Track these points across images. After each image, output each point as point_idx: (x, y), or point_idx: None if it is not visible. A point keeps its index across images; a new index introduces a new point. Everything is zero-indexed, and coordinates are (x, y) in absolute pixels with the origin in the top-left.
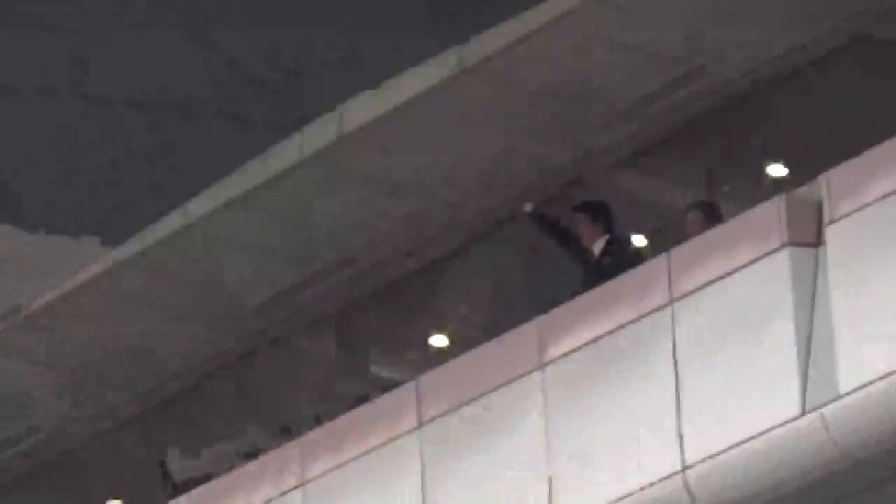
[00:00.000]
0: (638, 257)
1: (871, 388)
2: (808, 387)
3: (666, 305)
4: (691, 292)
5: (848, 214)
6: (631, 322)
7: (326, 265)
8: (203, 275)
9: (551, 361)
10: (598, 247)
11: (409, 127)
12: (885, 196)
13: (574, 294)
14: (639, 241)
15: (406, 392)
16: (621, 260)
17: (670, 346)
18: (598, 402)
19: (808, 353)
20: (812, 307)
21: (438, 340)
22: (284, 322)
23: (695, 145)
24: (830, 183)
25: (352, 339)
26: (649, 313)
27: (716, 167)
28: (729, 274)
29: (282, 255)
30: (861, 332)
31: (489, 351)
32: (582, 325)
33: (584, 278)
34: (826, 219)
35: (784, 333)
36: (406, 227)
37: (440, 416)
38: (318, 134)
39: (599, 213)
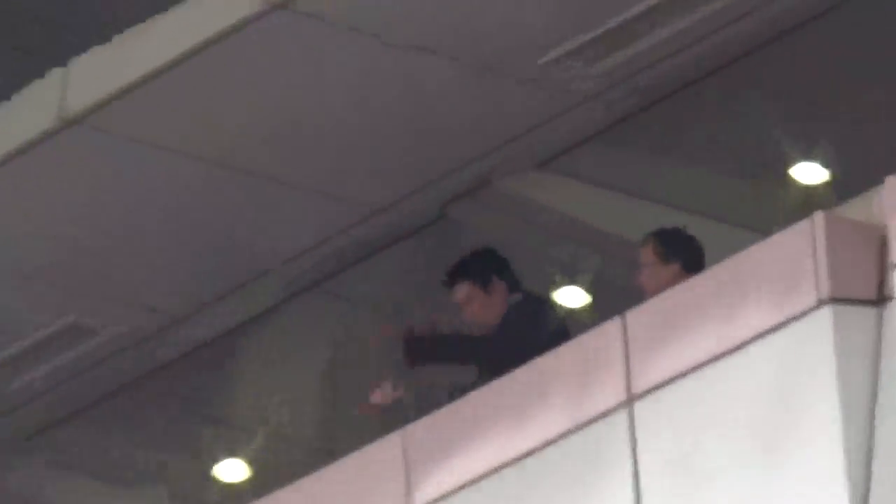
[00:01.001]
0: (564, 330)
1: None
2: None
3: (620, 407)
4: (661, 385)
5: None
6: (562, 436)
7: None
8: None
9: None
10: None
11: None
12: None
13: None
14: (569, 297)
15: None
16: (534, 333)
17: (629, 470)
18: None
19: (864, 484)
20: (871, 408)
21: (228, 470)
22: None
23: (663, 122)
24: None
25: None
26: (591, 420)
27: (700, 163)
28: (726, 354)
29: None
30: None
31: (314, 488)
32: (474, 446)
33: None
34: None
35: (823, 452)
36: (175, 280)
37: None
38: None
39: (486, 270)
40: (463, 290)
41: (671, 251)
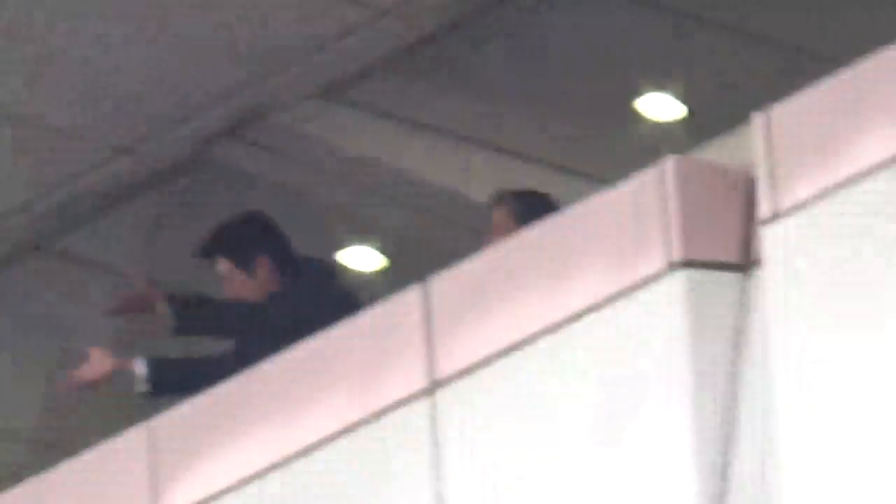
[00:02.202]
0: (353, 300)
1: None
2: None
3: (420, 394)
4: (471, 368)
5: (804, 205)
6: (346, 430)
7: None
8: None
9: None
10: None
11: None
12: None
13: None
14: (361, 259)
15: None
16: (311, 305)
17: (430, 472)
18: None
19: (721, 474)
20: (731, 391)
21: None
22: None
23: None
24: (773, 132)
25: None
26: (383, 411)
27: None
28: (552, 329)
29: None
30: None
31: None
32: (233, 444)
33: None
34: (766, 211)
35: (670, 441)
36: None
37: None
38: None
39: (246, 247)
40: (222, 266)
41: (533, 215)
